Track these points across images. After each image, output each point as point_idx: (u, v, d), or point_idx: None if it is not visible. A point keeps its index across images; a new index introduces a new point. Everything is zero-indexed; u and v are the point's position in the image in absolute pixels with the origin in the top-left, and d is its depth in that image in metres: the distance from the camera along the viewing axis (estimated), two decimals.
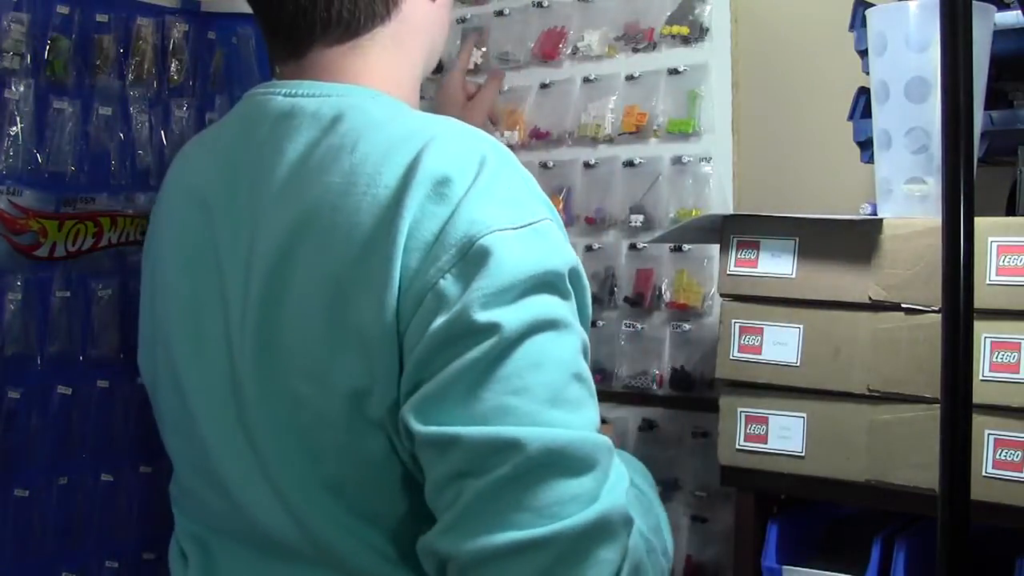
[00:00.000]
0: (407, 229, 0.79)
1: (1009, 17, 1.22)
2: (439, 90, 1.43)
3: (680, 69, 1.72)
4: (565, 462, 0.76)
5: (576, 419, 0.79)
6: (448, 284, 0.78)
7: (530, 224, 0.81)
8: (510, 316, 0.77)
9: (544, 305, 0.80)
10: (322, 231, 0.84)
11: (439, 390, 0.78)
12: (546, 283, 0.80)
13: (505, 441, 0.76)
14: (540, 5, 1.88)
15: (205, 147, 1.00)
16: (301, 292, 0.84)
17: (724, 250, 1.29)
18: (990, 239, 1.09)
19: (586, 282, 0.87)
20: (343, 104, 0.89)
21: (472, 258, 0.78)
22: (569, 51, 1.85)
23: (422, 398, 0.79)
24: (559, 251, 0.82)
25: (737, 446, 1.26)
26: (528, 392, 0.77)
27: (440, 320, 0.78)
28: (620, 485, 0.81)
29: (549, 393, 0.78)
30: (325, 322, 0.83)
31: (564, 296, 0.82)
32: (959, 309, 0.83)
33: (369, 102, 0.90)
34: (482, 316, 0.77)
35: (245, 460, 0.90)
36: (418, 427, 0.78)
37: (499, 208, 0.81)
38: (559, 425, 0.77)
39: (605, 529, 0.77)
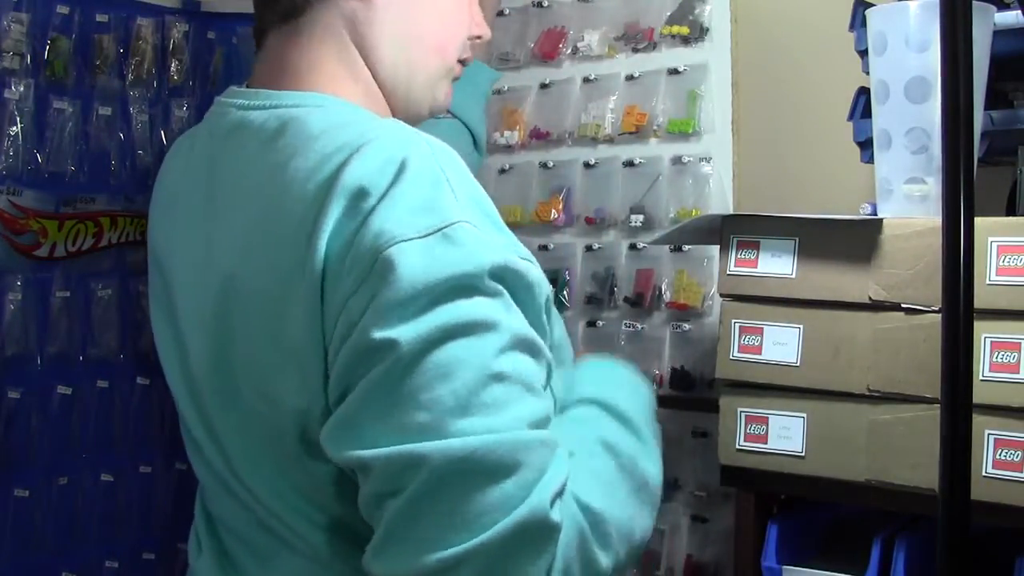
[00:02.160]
0: (325, 247, 0.78)
1: (1009, 17, 1.22)
2: None
3: (680, 69, 1.72)
4: (477, 470, 0.74)
5: (496, 421, 0.75)
6: (355, 302, 0.76)
7: (439, 229, 0.77)
8: (409, 330, 0.75)
9: (456, 311, 0.76)
10: (260, 248, 0.84)
11: (348, 414, 0.77)
12: (459, 288, 0.76)
13: (409, 458, 0.74)
14: (540, 5, 1.88)
15: (181, 156, 1.02)
16: (246, 311, 0.85)
17: (724, 250, 1.29)
18: (990, 239, 1.09)
19: (529, 276, 0.82)
20: (286, 116, 0.87)
21: (376, 273, 0.76)
22: (569, 51, 1.85)
23: (334, 423, 0.78)
24: (474, 253, 0.77)
25: (737, 446, 1.26)
26: (435, 404, 0.75)
27: (349, 340, 0.76)
28: (554, 481, 0.77)
29: (458, 401, 0.75)
30: (267, 341, 0.83)
31: (490, 294, 0.78)
32: (959, 309, 0.83)
33: (314, 113, 0.87)
34: (378, 334, 0.75)
35: (219, 462, 0.92)
36: (334, 454, 0.78)
37: (407, 216, 0.77)
38: (472, 432, 0.74)
39: (526, 538, 0.75)
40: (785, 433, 1.23)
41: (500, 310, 0.78)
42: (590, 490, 0.82)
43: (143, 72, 1.82)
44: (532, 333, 0.81)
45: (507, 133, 1.90)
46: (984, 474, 1.08)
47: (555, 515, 0.76)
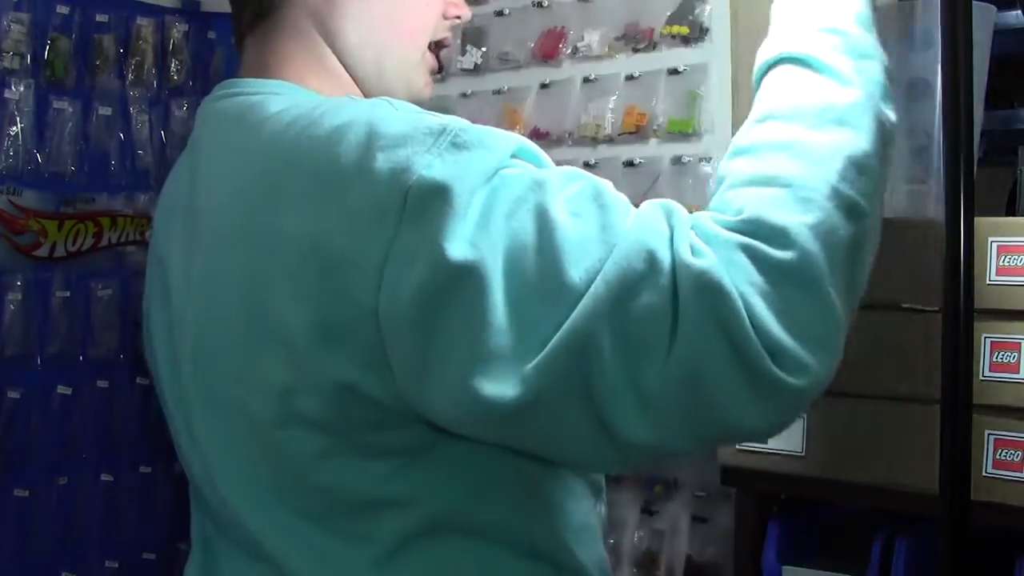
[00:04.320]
0: (312, 217, 0.76)
1: (1009, 17, 1.22)
2: None
3: (680, 69, 1.72)
4: (628, 297, 0.70)
5: (605, 247, 0.72)
6: (401, 245, 0.73)
7: (445, 141, 0.75)
8: (481, 236, 0.72)
9: (505, 194, 0.74)
10: (230, 229, 0.84)
11: (481, 349, 0.72)
12: (495, 175, 0.75)
13: (580, 343, 0.70)
14: (540, 5, 1.88)
15: (184, 155, 1.02)
16: (223, 294, 0.84)
17: None
18: (990, 239, 1.09)
19: (542, 152, 0.81)
20: (246, 103, 0.89)
21: (412, 209, 0.73)
22: (569, 51, 1.85)
23: (469, 371, 0.72)
24: (489, 145, 0.76)
25: (737, 446, 1.26)
26: (548, 274, 0.72)
27: (415, 278, 0.73)
28: (681, 240, 0.72)
29: (565, 256, 0.72)
30: (244, 319, 0.82)
31: (520, 165, 0.77)
32: (959, 309, 0.83)
33: (271, 98, 0.88)
34: (455, 254, 0.71)
35: (198, 463, 0.92)
36: (497, 395, 0.72)
37: (407, 148, 0.75)
38: (594, 274, 0.71)
39: (703, 298, 0.69)
40: (785, 433, 1.23)
41: (537, 170, 0.77)
42: (742, 193, 0.76)
43: (143, 72, 1.83)
44: (568, 168, 0.79)
45: None
46: (984, 474, 1.08)
47: (700, 260, 0.71)
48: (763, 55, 0.87)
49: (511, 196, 0.75)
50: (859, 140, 0.79)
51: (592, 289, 0.71)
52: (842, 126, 0.79)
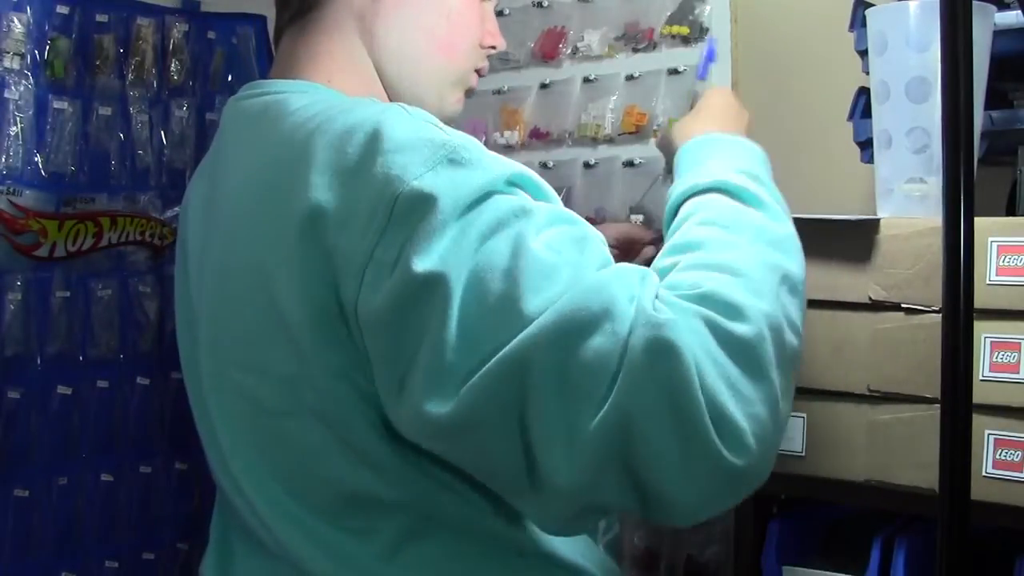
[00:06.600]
0: (309, 211, 0.77)
1: (1009, 17, 1.22)
2: None
3: (680, 69, 1.72)
4: (576, 334, 0.71)
5: (562, 284, 0.73)
6: (383, 252, 0.75)
7: (443, 157, 0.77)
8: (451, 252, 0.73)
9: (487, 214, 0.75)
10: (243, 221, 0.86)
11: (433, 365, 0.73)
12: (483, 196, 0.76)
13: (515, 370, 0.70)
14: (540, 5, 1.88)
15: (208, 153, 1.04)
16: (234, 283, 0.86)
17: None
18: (990, 239, 1.09)
19: (541, 182, 0.82)
20: (271, 100, 0.90)
21: (398, 217, 0.74)
22: (569, 51, 1.85)
23: (424, 385, 0.73)
24: (486, 168, 0.78)
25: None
26: (503, 300, 0.72)
27: (388, 288, 0.74)
28: (645, 293, 0.74)
29: (523, 285, 0.72)
30: (254, 310, 0.83)
31: (511, 194, 0.78)
32: (959, 309, 0.83)
33: (295, 96, 0.89)
34: (422, 266, 0.73)
35: (215, 453, 0.94)
36: (441, 412, 0.73)
37: (406, 156, 0.76)
38: (548, 305, 0.72)
39: (663, 352, 0.69)
40: (785, 433, 1.23)
41: (526, 201, 0.78)
42: (695, 275, 0.78)
43: (143, 72, 1.82)
44: (565, 210, 0.80)
45: (507, 133, 1.90)
46: (984, 474, 1.08)
47: (661, 315, 0.72)
48: (689, 181, 0.92)
49: (493, 218, 0.75)
50: (793, 267, 0.84)
51: (541, 318, 0.71)
52: (778, 250, 0.83)
